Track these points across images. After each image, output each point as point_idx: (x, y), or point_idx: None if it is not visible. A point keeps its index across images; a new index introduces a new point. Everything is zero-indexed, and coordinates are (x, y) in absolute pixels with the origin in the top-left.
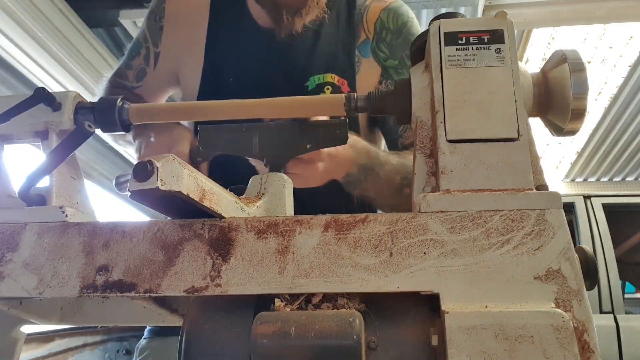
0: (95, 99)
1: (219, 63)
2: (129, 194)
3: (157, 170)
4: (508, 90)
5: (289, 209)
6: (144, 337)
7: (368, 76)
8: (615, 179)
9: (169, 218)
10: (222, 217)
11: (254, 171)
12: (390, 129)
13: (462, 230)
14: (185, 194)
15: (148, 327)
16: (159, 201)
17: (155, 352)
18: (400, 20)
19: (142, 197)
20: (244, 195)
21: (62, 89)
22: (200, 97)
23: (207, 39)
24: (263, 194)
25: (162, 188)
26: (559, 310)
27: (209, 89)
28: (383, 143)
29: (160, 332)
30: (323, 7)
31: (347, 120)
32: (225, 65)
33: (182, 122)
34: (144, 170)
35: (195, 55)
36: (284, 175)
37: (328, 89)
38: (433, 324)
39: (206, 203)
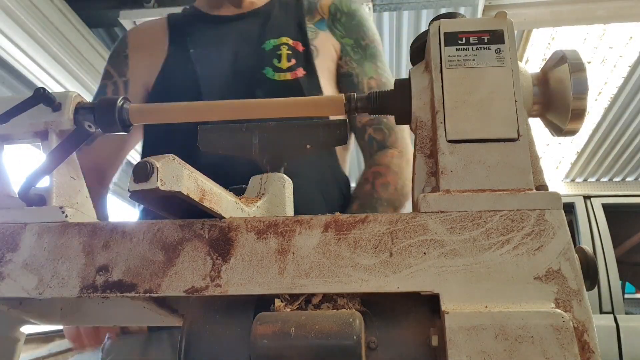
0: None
1: (179, 59)
2: (129, 193)
3: (157, 170)
4: (508, 90)
5: (289, 209)
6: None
7: (326, 42)
8: (615, 179)
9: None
10: (222, 218)
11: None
12: None
13: (462, 230)
14: (185, 194)
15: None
16: (159, 201)
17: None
18: (353, 6)
19: (142, 198)
20: (244, 195)
21: (62, 89)
22: (159, 84)
23: (168, 49)
24: (263, 194)
25: (162, 188)
26: (559, 311)
27: (161, 86)
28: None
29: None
30: None
31: (348, 120)
32: (186, 53)
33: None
34: (143, 170)
35: (157, 69)
36: (284, 176)
37: (284, 47)
38: (433, 324)
39: (206, 203)
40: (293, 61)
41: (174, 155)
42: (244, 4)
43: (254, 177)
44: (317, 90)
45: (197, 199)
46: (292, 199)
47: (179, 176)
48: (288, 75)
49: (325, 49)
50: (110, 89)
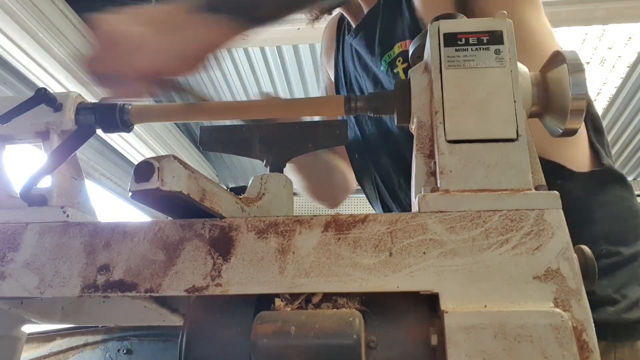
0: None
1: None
2: (130, 193)
3: (158, 170)
4: (507, 90)
5: (289, 209)
6: None
7: (432, 3)
8: None
9: (169, 218)
10: (222, 217)
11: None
12: None
13: (461, 230)
14: (186, 194)
15: None
16: (160, 201)
17: None
18: None
19: (143, 198)
20: (244, 195)
21: (63, 90)
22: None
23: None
24: (263, 194)
25: (163, 188)
26: (558, 310)
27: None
28: None
29: None
30: None
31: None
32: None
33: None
34: (145, 170)
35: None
36: (284, 175)
37: (399, 60)
38: (432, 323)
39: (207, 203)
40: (406, 64)
41: (174, 155)
42: (363, 8)
43: (254, 177)
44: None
45: (197, 199)
46: (292, 199)
47: (180, 176)
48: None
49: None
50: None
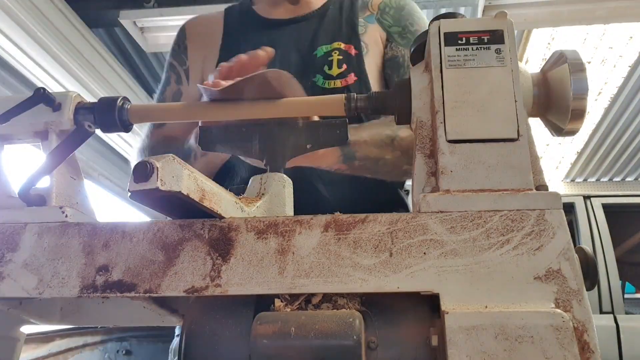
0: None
1: (234, 53)
2: (129, 193)
3: (157, 170)
4: (508, 90)
5: (289, 209)
6: (176, 334)
7: (374, 35)
8: (615, 179)
9: (169, 218)
10: (222, 218)
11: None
12: None
13: (462, 230)
14: (185, 194)
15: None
16: (159, 201)
17: None
18: (402, 2)
19: (142, 198)
20: (244, 195)
21: (62, 89)
22: None
23: (221, 46)
24: (263, 194)
25: (162, 188)
26: (559, 311)
27: None
28: None
29: None
30: None
31: (347, 119)
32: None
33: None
34: (143, 170)
35: (212, 58)
36: (284, 175)
37: (335, 52)
38: (433, 324)
39: (206, 203)
40: (344, 67)
41: (173, 155)
42: (302, 2)
43: (254, 177)
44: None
45: (197, 199)
46: (292, 199)
47: (179, 176)
48: (338, 83)
49: (373, 42)
50: (174, 79)
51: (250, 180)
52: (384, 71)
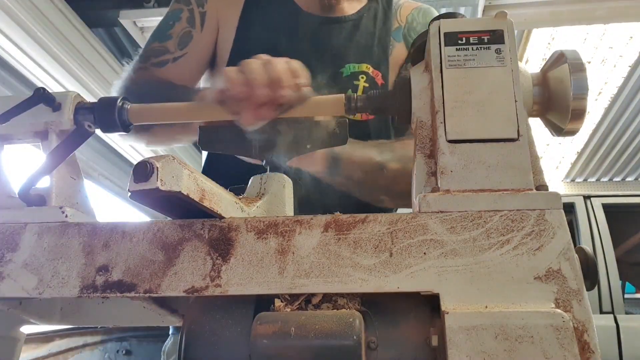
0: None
1: (251, 35)
2: (129, 194)
3: (157, 170)
4: (508, 90)
5: (289, 209)
6: (170, 333)
7: (398, 57)
8: (615, 179)
9: (169, 218)
10: (222, 218)
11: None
12: None
13: (462, 230)
14: (185, 194)
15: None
16: (159, 201)
17: None
18: (429, 17)
19: (142, 198)
20: (243, 195)
21: (62, 89)
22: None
23: (243, 9)
24: (263, 194)
25: (162, 188)
26: (559, 311)
27: (237, 61)
28: None
29: None
30: (365, 1)
31: (348, 120)
32: (258, 38)
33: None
34: (143, 170)
35: (230, 24)
36: (284, 176)
37: (362, 77)
38: (433, 324)
39: (206, 203)
40: None
41: (173, 155)
42: (336, 10)
43: (254, 177)
44: (386, 133)
45: (197, 199)
46: (292, 199)
47: (179, 176)
48: (358, 116)
49: (393, 66)
50: (185, 17)
51: (250, 180)
52: None
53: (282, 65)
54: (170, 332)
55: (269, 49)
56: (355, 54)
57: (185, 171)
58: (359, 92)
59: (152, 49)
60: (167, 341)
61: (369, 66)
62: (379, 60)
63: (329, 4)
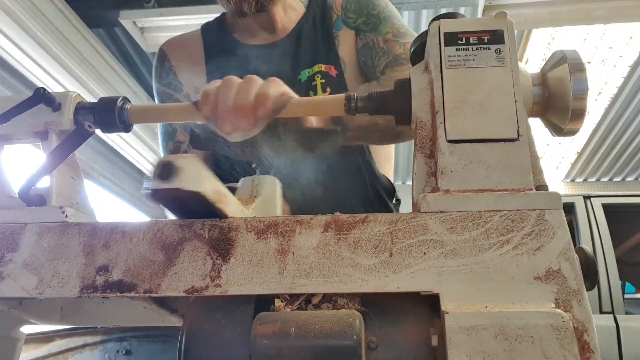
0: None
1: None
2: (149, 192)
3: (180, 170)
4: (508, 90)
5: (280, 211)
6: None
7: (346, 44)
8: (615, 179)
9: (169, 218)
10: (222, 218)
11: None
12: (370, 67)
13: (462, 230)
14: (204, 195)
15: None
16: (175, 201)
17: None
18: None
19: (161, 197)
20: (237, 197)
21: (62, 90)
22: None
23: (206, 69)
24: (256, 195)
25: (184, 188)
26: (559, 311)
27: None
28: None
29: None
30: (302, 11)
31: (339, 129)
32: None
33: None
34: (166, 169)
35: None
36: (275, 178)
37: (318, 76)
38: (433, 324)
39: (221, 205)
40: (328, 90)
41: (195, 156)
42: (278, 30)
43: (245, 179)
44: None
45: (213, 201)
46: (282, 202)
47: (199, 177)
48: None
49: (347, 53)
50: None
51: (242, 181)
52: (360, 61)
53: (254, 79)
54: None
55: None
56: (304, 60)
57: (205, 172)
58: (318, 90)
59: (170, 149)
60: None
61: (320, 65)
62: (327, 56)
63: (271, 29)
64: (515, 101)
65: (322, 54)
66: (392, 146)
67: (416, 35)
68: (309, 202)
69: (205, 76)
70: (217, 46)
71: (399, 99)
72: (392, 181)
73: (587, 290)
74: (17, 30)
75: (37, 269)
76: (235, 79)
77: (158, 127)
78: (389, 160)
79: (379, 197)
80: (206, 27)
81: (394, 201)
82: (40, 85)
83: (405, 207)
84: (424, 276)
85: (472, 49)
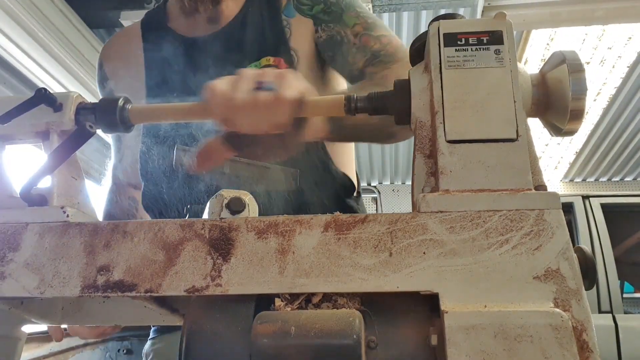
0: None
1: (159, 84)
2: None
3: (248, 205)
4: (507, 91)
5: None
6: (149, 338)
7: (301, 33)
8: (613, 179)
9: (169, 219)
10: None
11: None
12: (343, 63)
13: (461, 230)
14: None
15: (153, 327)
16: None
17: (158, 354)
18: None
19: None
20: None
21: (63, 90)
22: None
23: (145, 72)
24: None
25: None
26: (557, 310)
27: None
28: (341, 82)
29: (164, 330)
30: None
31: (299, 170)
32: (165, 84)
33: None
34: (239, 204)
35: (140, 92)
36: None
37: None
38: (432, 323)
39: None
40: None
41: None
42: (222, 20)
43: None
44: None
45: None
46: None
47: (254, 209)
48: (271, 60)
49: (301, 44)
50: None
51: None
52: (324, 54)
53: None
54: (151, 335)
55: (179, 87)
56: (250, 52)
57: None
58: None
59: (114, 201)
60: (146, 344)
61: (268, 58)
62: (276, 47)
63: (214, 18)
64: (515, 101)
65: (269, 44)
66: (352, 144)
67: (381, 23)
68: (265, 203)
69: (144, 74)
70: (156, 39)
71: (398, 99)
72: (368, 178)
73: (586, 289)
74: (18, 31)
75: (39, 269)
76: (251, 71)
77: (110, 161)
78: (350, 157)
79: (337, 194)
80: (146, 19)
81: (354, 195)
82: (41, 85)
83: (406, 207)
84: (423, 276)
85: (472, 50)
